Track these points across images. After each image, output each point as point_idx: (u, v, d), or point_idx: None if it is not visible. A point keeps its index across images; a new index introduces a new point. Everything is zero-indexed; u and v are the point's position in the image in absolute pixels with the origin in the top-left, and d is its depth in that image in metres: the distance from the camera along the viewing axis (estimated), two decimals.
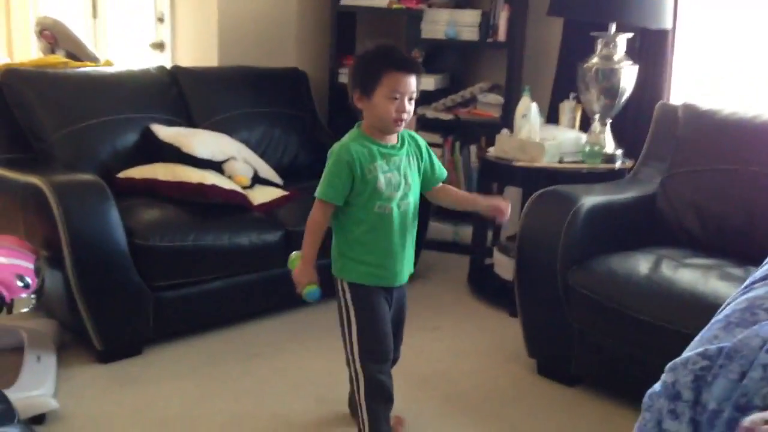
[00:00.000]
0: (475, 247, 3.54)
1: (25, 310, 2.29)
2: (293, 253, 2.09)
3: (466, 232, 3.83)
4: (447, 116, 3.88)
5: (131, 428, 2.23)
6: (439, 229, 3.90)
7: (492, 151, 3.34)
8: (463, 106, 3.88)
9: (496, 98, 3.78)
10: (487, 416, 2.40)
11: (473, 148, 3.90)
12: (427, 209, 3.47)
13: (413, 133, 2.10)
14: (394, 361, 2.14)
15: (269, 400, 2.43)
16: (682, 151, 2.83)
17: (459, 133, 3.96)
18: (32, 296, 2.28)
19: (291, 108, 3.68)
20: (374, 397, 2.01)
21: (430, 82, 3.84)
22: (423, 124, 3.96)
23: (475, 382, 2.61)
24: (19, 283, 2.23)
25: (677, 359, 1.23)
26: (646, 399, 1.26)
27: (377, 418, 2.01)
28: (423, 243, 3.52)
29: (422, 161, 2.08)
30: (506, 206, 2.14)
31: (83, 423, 2.23)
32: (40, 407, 2.18)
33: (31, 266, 2.34)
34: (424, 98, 3.90)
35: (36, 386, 2.25)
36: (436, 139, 3.94)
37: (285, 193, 3.18)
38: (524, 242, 2.66)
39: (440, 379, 2.62)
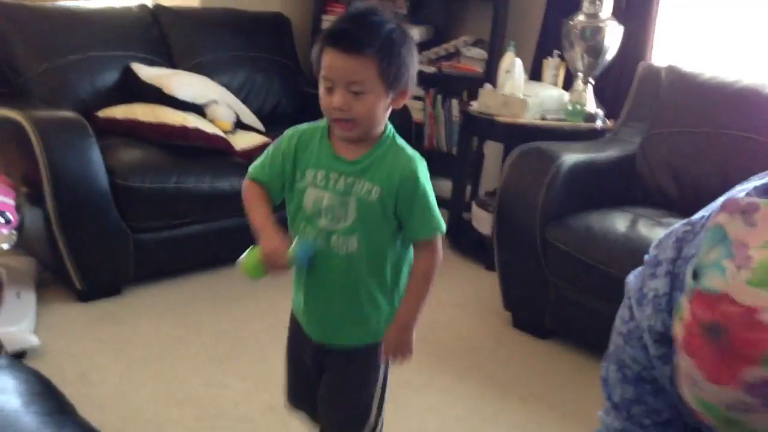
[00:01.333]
0: (454, 201, 3.57)
1: (6, 246, 2.27)
2: (241, 257, 1.48)
3: (445, 186, 3.85)
4: (429, 69, 3.85)
5: (112, 365, 2.25)
6: None
7: (474, 106, 3.35)
8: (447, 60, 3.86)
9: (480, 52, 3.77)
10: (462, 366, 2.46)
11: (455, 102, 3.90)
12: None
13: (412, 156, 1.43)
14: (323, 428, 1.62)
15: (247, 341, 2.47)
16: (662, 113, 2.87)
17: (441, 87, 3.95)
18: (13, 232, 2.26)
19: (273, 54, 3.64)
20: None
21: (414, 34, 3.79)
22: None
23: (452, 333, 2.67)
24: (0, 219, 2.20)
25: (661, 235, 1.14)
26: (629, 277, 1.15)
27: None
28: None
29: (398, 199, 1.39)
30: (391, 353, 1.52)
31: (64, 359, 2.24)
32: (20, 343, 2.18)
33: (11, 202, 2.31)
34: None
35: (16, 322, 2.25)
36: (418, 91, 3.92)
37: (267, 139, 3.16)
38: (504, 197, 2.70)
39: (420, 329, 2.65)
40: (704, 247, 0.84)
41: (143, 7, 3.37)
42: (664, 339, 1.00)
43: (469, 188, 3.71)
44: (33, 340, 2.22)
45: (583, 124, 3.20)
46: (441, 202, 3.97)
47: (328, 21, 3.94)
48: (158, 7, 3.42)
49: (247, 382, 2.24)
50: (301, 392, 1.61)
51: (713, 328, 0.79)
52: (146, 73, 3.05)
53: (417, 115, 3.87)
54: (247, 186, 1.50)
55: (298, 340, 1.56)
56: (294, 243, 1.42)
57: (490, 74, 3.58)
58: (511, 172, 2.70)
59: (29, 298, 2.43)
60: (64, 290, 2.63)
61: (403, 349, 1.50)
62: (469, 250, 3.36)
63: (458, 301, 2.92)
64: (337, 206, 1.39)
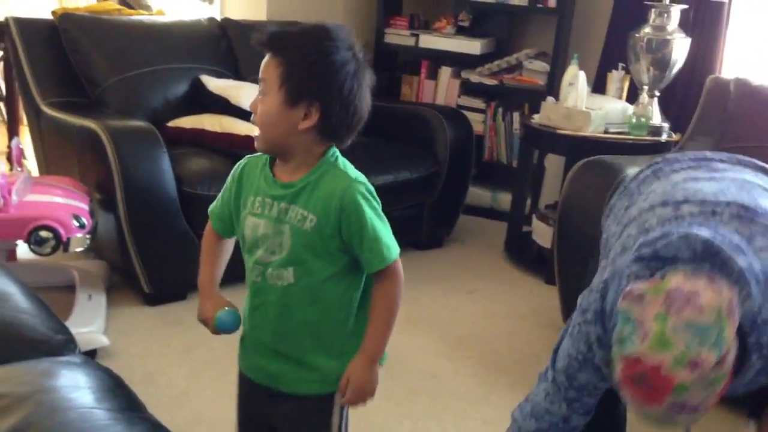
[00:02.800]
0: (514, 213, 3.55)
1: (80, 249, 2.36)
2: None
3: (505, 199, 3.85)
4: (491, 81, 3.86)
5: (178, 367, 2.31)
6: (477, 194, 3.91)
7: (536, 118, 3.34)
8: (508, 72, 3.86)
9: (542, 65, 3.75)
10: (520, 379, 2.44)
11: (516, 115, 3.89)
12: (467, 174, 3.49)
13: (352, 179, 1.33)
14: None
15: None
16: (731, 127, 2.81)
17: (502, 99, 3.95)
18: (87, 236, 2.35)
19: None
20: None
21: (476, 46, 3.82)
22: (466, 89, 3.95)
23: (510, 345, 2.66)
24: (75, 223, 2.30)
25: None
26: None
27: None
28: (462, 208, 3.56)
29: (341, 232, 1.29)
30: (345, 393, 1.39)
31: (132, 360, 2.32)
32: (91, 343, 2.27)
33: (86, 207, 2.41)
34: (469, 62, 3.89)
35: (88, 323, 2.34)
36: (479, 104, 3.93)
37: None
38: (565, 210, 2.68)
39: (475, 340, 2.67)
40: (619, 326, 1.25)
41: (212, 20, 3.48)
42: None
43: (528, 201, 3.69)
44: (103, 341, 2.31)
45: (648, 138, 3.16)
46: (501, 215, 3.98)
47: (391, 34, 3.98)
48: (226, 21, 3.52)
49: None
50: None
51: (636, 377, 1.21)
52: (214, 84, 3.15)
53: (477, 128, 3.87)
54: (205, 232, 1.49)
55: (244, 393, 1.50)
56: (220, 312, 1.42)
57: (552, 87, 3.57)
58: (573, 185, 2.68)
59: (100, 300, 2.52)
60: (133, 293, 2.72)
61: (366, 390, 1.37)
62: (528, 263, 3.34)
63: (516, 314, 2.91)
64: (272, 235, 1.30)
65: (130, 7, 3.71)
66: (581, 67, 3.27)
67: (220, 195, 1.42)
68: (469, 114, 3.76)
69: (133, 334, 2.48)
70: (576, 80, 3.23)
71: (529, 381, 2.42)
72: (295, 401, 1.38)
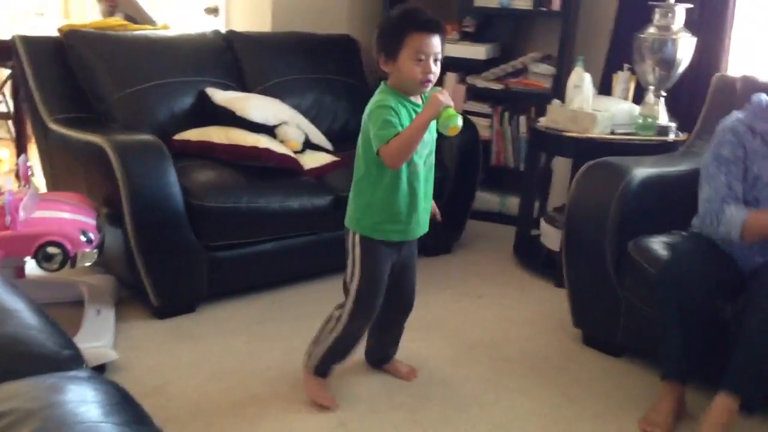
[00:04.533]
0: (522, 217, 3.54)
1: (88, 264, 2.37)
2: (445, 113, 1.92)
3: (513, 203, 3.84)
4: (497, 86, 3.86)
5: (187, 380, 2.31)
6: (485, 199, 3.91)
7: (542, 121, 3.33)
8: (514, 76, 3.85)
9: (548, 68, 3.75)
10: (531, 383, 2.43)
11: (523, 119, 3.88)
12: (474, 180, 3.48)
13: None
14: (409, 308, 2.31)
15: None
16: None
17: (508, 103, 3.94)
18: (95, 251, 2.36)
19: (342, 75, 3.70)
20: (341, 348, 2.22)
21: (481, 52, 3.82)
22: (472, 94, 3.95)
23: (521, 349, 2.64)
24: (83, 238, 2.31)
25: None
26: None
27: (326, 361, 2.23)
28: (470, 213, 3.55)
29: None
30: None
31: (142, 374, 2.32)
32: (101, 357, 2.27)
33: (93, 222, 2.42)
34: (475, 68, 3.88)
35: (97, 338, 2.35)
36: (485, 108, 3.93)
37: (335, 158, 3.22)
38: (573, 213, 2.66)
39: (487, 345, 2.66)
40: None
41: (217, 33, 3.49)
42: None
43: (537, 204, 3.67)
44: (112, 355, 2.31)
45: (655, 138, 3.14)
46: (509, 219, 3.98)
47: None
48: (231, 33, 3.53)
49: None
50: (381, 299, 2.17)
51: None
52: (220, 97, 3.16)
53: (484, 132, 3.87)
54: (393, 148, 1.93)
55: (389, 260, 2.13)
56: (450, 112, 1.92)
57: (558, 90, 3.56)
58: (581, 187, 2.66)
59: (109, 314, 2.53)
60: (142, 307, 2.73)
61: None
62: (537, 267, 3.32)
63: (526, 318, 2.89)
64: (429, 137, 2.06)
65: (135, 22, 3.72)
66: (587, 69, 3.26)
67: (393, 124, 1.94)
68: (475, 119, 3.76)
69: (142, 348, 2.48)
70: (581, 82, 3.22)
71: (540, 385, 2.42)
72: (415, 241, 2.26)
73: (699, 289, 2.15)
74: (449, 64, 3.92)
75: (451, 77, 3.96)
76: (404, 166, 2.00)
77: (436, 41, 1.94)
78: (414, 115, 1.97)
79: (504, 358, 2.57)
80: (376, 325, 2.26)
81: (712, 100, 2.96)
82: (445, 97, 1.93)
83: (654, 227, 2.55)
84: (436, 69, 1.96)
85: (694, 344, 2.18)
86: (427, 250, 3.42)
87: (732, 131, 2.26)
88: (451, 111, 1.90)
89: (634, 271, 2.45)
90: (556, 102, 3.33)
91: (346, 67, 3.75)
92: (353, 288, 2.14)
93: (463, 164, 3.36)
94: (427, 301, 2.95)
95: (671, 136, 3.15)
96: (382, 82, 2.04)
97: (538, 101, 3.69)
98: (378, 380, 2.39)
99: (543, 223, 3.40)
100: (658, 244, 2.44)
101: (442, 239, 3.48)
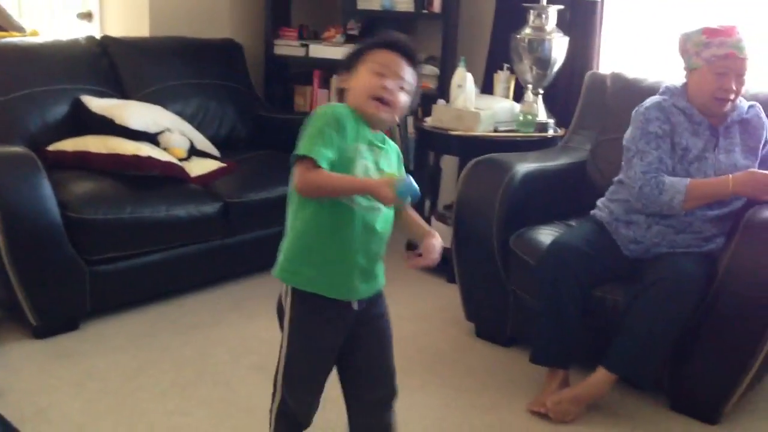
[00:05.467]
0: None
1: None
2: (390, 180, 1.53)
3: None
4: None
5: (71, 400, 2.20)
6: None
7: (428, 121, 3.38)
8: None
9: (432, 69, 3.81)
10: (426, 378, 2.46)
11: (410, 119, 3.93)
12: None
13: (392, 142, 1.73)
14: (389, 396, 1.79)
15: (210, 369, 2.44)
16: (610, 119, 2.92)
17: None
18: None
19: (226, 80, 3.64)
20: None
21: None
22: None
23: (416, 346, 2.67)
24: None
25: None
26: None
27: None
28: None
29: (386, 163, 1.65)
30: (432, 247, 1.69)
31: (20, 397, 2.19)
32: None
33: None
34: None
35: None
36: None
37: (223, 165, 3.16)
38: (461, 210, 2.72)
39: None
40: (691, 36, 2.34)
41: (91, 38, 3.36)
42: None
43: (428, 203, 3.73)
44: None
45: (535, 134, 3.25)
46: None
47: (281, 46, 3.96)
48: (106, 39, 3.40)
49: (211, 409, 2.21)
50: (321, 389, 1.72)
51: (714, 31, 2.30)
52: (97, 104, 3.03)
53: None
54: (313, 174, 1.53)
55: (335, 326, 1.65)
56: (396, 181, 1.51)
57: (443, 90, 3.62)
58: (466, 184, 2.73)
59: None
60: (19, 327, 2.58)
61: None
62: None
63: (420, 314, 2.93)
64: (375, 174, 1.60)
65: (2, 29, 3.53)
66: (469, 69, 3.34)
67: (326, 142, 1.56)
68: None
69: (21, 371, 2.35)
70: (464, 82, 3.30)
71: (435, 379, 2.45)
72: (380, 294, 1.79)
73: (576, 275, 2.24)
74: (335, 67, 3.92)
75: (338, 80, 3.96)
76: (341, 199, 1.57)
77: (404, 65, 1.63)
78: (363, 141, 1.59)
79: (400, 356, 2.56)
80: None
81: (585, 97, 3.10)
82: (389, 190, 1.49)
83: (538, 220, 2.64)
84: (400, 97, 1.62)
85: (570, 329, 2.27)
86: None
87: (657, 108, 2.36)
88: (397, 180, 1.51)
89: (519, 264, 2.53)
90: (441, 102, 3.40)
91: (231, 71, 3.69)
92: (280, 364, 1.68)
93: None
94: None
95: (550, 132, 3.28)
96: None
97: (425, 101, 3.73)
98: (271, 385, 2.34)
99: (433, 221, 3.45)
100: (538, 236, 2.52)
101: None
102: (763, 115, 2.41)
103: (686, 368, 2.24)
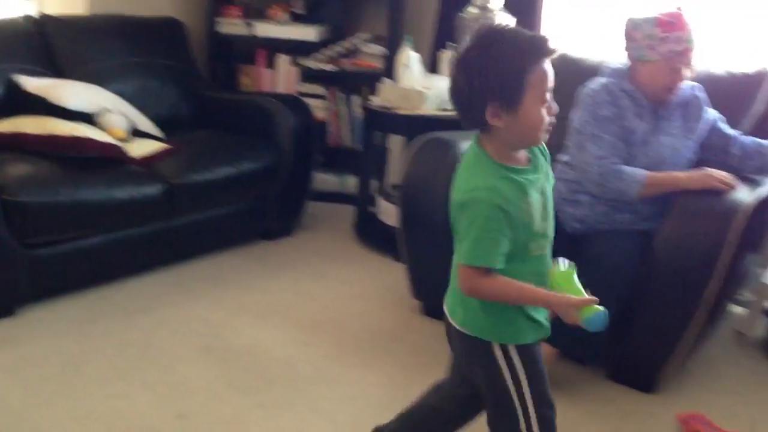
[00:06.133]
0: (361, 196, 3.58)
1: None
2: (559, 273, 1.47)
3: (352, 182, 3.86)
4: (330, 67, 3.86)
5: (9, 388, 2.15)
6: (324, 180, 3.91)
7: (375, 101, 3.37)
8: (347, 57, 3.87)
9: (379, 49, 3.79)
10: (373, 356, 2.46)
11: (357, 99, 3.91)
12: (310, 161, 3.47)
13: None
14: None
15: (154, 352, 2.40)
16: (556, 98, 2.94)
17: (342, 84, 3.96)
18: None
19: (168, 59, 3.56)
20: None
21: (312, 33, 3.81)
22: (306, 76, 3.93)
23: (363, 325, 2.67)
24: None
25: None
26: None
27: None
28: (308, 194, 3.54)
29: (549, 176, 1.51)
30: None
31: None
32: None
33: None
34: (306, 49, 3.87)
35: None
36: (320, 90, 3.93)
37: (166, 146, 3.10)
38: (407, 188, 2.72)
39: (329, 324, 2.67)
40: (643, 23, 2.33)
41: (27, 17, 3.25)
42: None
43: (377, 183, 3.73)
44: None
45: None
46: (350, 198, 4.00)
47: (223, 23, 3.89)
48: (44, 17, 3.29)
49: (153, 392, 2.18)
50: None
51: (669, 18, 2.31)
52: (32, 84, 2.94)
53: (320, 114, 3.87)
54: (486, 283, 1.40)
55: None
56: (591, 311, 1.39)
57: (390, 69, 3.61)
58: (412, 162, 2.73)
59: None
60: None
61: None
62: (377, 243, 3.37)
63: (368, 293, 2.93)
64: (548, 204, 1.47)
65: None
66: (416, 49, 3.33)
67: (495, 242, 1.39)
68: (310, 101, 3.75)
69: None
70: (410, 61, 3.29)
71: (381, 357, 2.46)
72: None
73: None
74: (280, 46, 3.90)
75: (283, 59, 3.92)
76: (528, 253, 1.45)
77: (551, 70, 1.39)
78: (530, 188, 1.41)
79: (346, 335, 2.60)
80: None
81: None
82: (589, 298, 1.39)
83: None
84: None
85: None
86: (268, 235, 3.39)
87: (606, 91, 2.37)
88: (592, 309, 1.39)
89: None
90: (387, 81, 3.38)
91: (172, 50, 3.61)
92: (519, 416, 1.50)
93: (298, 146, 3.34)
94: (267, 286, 2.93)
95: None
96: (475, 144, 1.47)
97: (372, 81, 3.73)
98: (218, 367, 2.33)
99: (380, 200, 3.45)
100: None
101: (281, 223, 3.45)
102: (702, 95, 2.45)
103: (624, 340, 2.29)
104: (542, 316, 1.51)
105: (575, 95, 2.46)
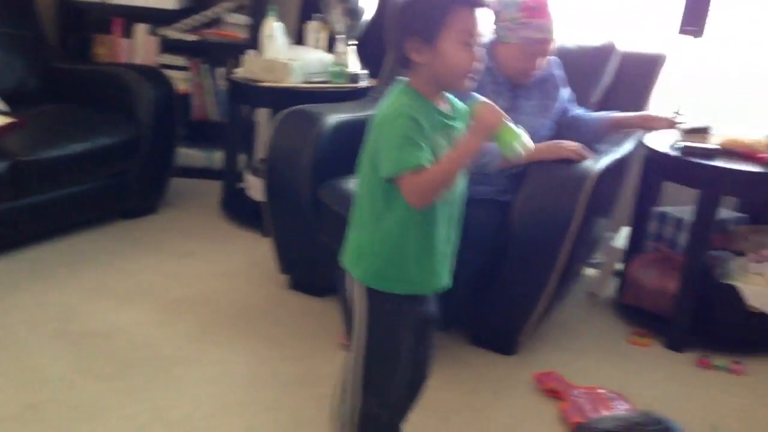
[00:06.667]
0: (227, 171, 3.49)
1: None
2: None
3: (219, 157, 3.77)
4: (192, 37, 3.73)
5: None
6: (190, 155, 3.79)
7: (239, 72, 3.29)
8: (209, 27, 3.75)
9: (243, 18, 3.69)
10: (240, 333, 2.43)
11: (221, 70, 3.80)
12: (173, 136, 3.35)
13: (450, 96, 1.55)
14: (423, 380, 1.73)
15: (3, 339, 2.26)
16: None
17: (206, 55, 3.83)
18: None
19: (12, 27, 3.32)
20: None
21: (171, 1, 3.65)
22: (166, 47, 3.78)
23: (229, 302, 2.62)
24: None
25: None
26: None
27: None
28: (172, 170, 3.42)
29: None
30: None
31: None
32: None
33: None
34: (165, 18, 3.72)
35: None
36: (181, 61, 3.78)
37: (12, 120, 2.89)
38: (272, 162, 2.68)
39: (193, 302, 2.60)
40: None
41: None
42: None
43: (243, 157, 3.65)
44: None
45: (348, 85, 3.25)
46: (216, 174, 3.90)
47: None
48: None
49: (5, 379, 2.05)
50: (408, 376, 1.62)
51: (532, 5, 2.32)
52: None
53: (183, 86, 3.73)
54: (421, 179, 1.41)
55: (412, 321, 1.56)
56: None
57: (255, 40, 3.52)
58: (277, 136, 2.68)
59: None
60: None
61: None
62: (245, 219, 3.31)
63: (235, 270, 2.88)
64: None
65: None
66: (282, 19, 3.27)
67: (416, 145, 1.42)
68: (172, 72, 3.61)
69: None
70: (274, 32, 3.22)
71: (247, 334, 2.42)
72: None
73: None
74: (138, 14, 3.71)
75: (140, 29, 3.74)
76: None
77: (480, 20, 1.45)
78: (441, 127, 1.47)
79: (211, 313, 2.54)
80: None
81: (390, 47, 3.12)
82: (496, 109, 1.45)
83: (348, 171, 2.64)
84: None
85: None
86: (129, 212, 3.25)
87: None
88: (511, 129, 1.44)
89: (329, 214, 2.53)
90: (251, 52, 3.30)
91: (17, 18, 3.36)
92: (359, 363, 1.57)
93: (158, 120, 3.21)
94: (126, 267, 2.82)
95: (362, 83, 3.29)
96: (399, 81, 1.51)
97: (236, 52, 3.62)
98: (72, 353, 2.22)
99: (247, 175, 3.39)
100: (347, 187, 2.54)
101: (144, 200, 3.31)
102: (559, 72, 2.52)
103: (484, 305, 2.37)
104: (429, 274, 1.55)
105: None
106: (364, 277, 1.52)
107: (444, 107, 1.50)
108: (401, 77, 1.51)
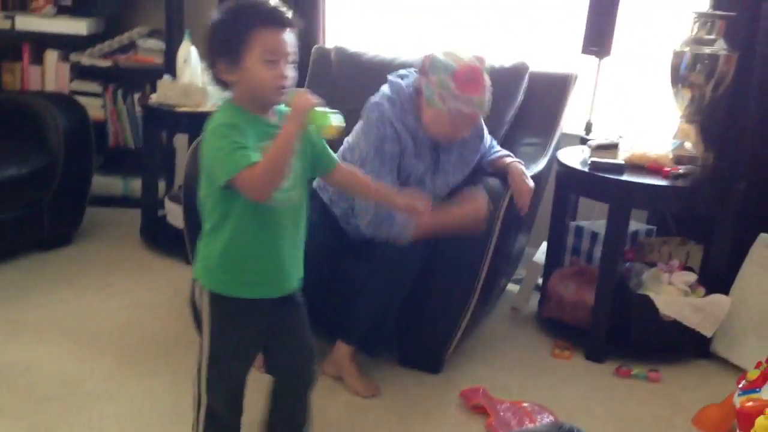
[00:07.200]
0: (146, 198, 3.42)
1: None
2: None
3: (137, 185, 3.68)
4: (105, 63, 3.65)
5: None
6: (107, 183, 3.69)
7: (154, 98, 3.23)
8: (123, 52, 3.68)
9: (157, 43, 3.64)
10: (160, 364, 2.37)
11: (137, 96, 3.73)
12: (88, 164, 3.27)
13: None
14: (308, 383, 1.78)
15: None
16: (337, 92, 2.99)
17: (120, 81, 3.75)
18: None
19: None
20: None
21: (82, 27, 3.57)
22: (79, 73, 3.69)
23: (149, 333, 2.56)
24: None
25: None
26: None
27: None
28: (88, 199, 3.32)
29: (307, 144, 1.63)
30: (421, 203, 1.75)
31: None
32: None
33: None
34: (77, 44, 3.63)
35: None
36: (95, 88, 3.70)
37: None
38: (189, 187, 2.63)
39: (112, 335, 2.52)
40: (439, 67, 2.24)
41: None
42: None
43: (163, 184, 3.58)
44: None
45: None
46: (136, 202, 3.79)
47: None
48: None
49: None
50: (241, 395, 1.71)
51: (468, 77, 2.23)
52: None
53: (98, 113, 3.65)
54: (255, 172, 1.46)
55: (251, 325, 1.64)
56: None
57: (170, 65, 3.47)
58: (193, 161, 2.64)
59: None
60: None
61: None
62: (166, 247, 3.23)
63: (155, 300, 2.81)
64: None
65: None
66: (198, 44, 3.23)
67: (240, 143, 1.49)
68: (85, 99, 3.52)
69: None
70: (190, 56, 3.19)
71: (168, 364, 2.36)
72: (293, 296, 1.70)
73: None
74: (48, 40, 3.61)
75: (51, 55, 3.64)
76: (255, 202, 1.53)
77: (289, 38, 1.55)
78: (268, 135, 1.52)
79: (132, 345, 2.47)
80: (272, 409, 1.79)
81: (312, 70, 3.14)
82: (309, 96, 1.53)
83: None
84: (292, 74, 1.57)
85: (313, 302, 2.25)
86: (44, 243, 3.14)
87: (392, 125, 2.25)
88: (322, 112, 1.53)
89: None
90: (166, 77, 3.26)
91: None
92: (203, 365, 1.65)
93: (72, 149, 3.12)
94: (43, 301, 2.72)
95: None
96: (223, 102, 1.61)
97: (152, 77, 3.56)
98: None
99: (167, 202, 3.32)
100: None
101: (58, 231, 3.20)
102: (479, 123, 2.42)
103: (411, 327, 2.39)
104: (274, 277, 1.63)
105: (363, 110, 2.37)
106: (208, 282, 1.61)
107: (273, 119, 1.59)
108: (226, 96, 1.61)
